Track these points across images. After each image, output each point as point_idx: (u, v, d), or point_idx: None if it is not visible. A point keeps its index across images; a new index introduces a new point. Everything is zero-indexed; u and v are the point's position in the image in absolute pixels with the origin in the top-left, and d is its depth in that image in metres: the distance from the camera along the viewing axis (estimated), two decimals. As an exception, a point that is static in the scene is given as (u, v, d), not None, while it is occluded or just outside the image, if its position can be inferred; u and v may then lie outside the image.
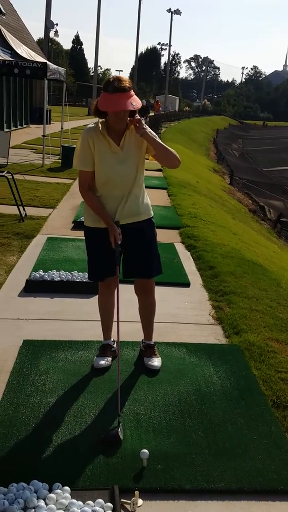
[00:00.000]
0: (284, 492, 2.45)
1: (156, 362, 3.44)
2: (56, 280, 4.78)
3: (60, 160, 13.23)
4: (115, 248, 3.10)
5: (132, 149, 3.08)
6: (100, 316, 3.53)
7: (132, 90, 2.92)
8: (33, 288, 4.69)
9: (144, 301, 3.45)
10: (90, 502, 2.24)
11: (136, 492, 2.27)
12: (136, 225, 3.21)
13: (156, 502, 2.35)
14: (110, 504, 2.24)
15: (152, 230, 3.33)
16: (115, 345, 3.55)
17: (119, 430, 2.67)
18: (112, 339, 3.55)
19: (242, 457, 2.64)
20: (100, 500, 2.25)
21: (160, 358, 3.50)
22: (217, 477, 2.49)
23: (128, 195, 3.14)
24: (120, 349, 3.62)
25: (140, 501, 2.31)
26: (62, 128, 15.87)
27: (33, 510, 2.16)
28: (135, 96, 2.92)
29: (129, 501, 2.26)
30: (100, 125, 3.05)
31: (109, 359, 3.45)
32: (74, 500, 2.23)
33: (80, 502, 2.23)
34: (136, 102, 2.90)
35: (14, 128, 21.70)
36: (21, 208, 7.29)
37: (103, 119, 3.05)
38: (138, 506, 2.28)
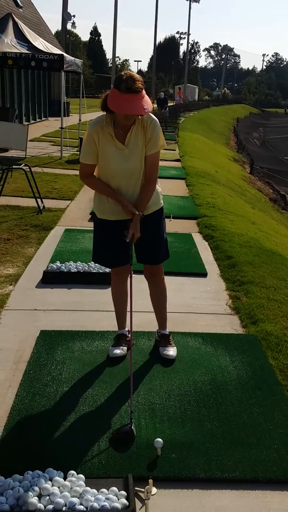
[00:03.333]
0: (300, 482, 2.43)
1: (172, 351, 3.44)
2: (73, 271, 4.81)
3: (78, 152, 13.25)
4: (128, 241, 3.09)
5: (138, 143, 3.04)
6: (114, 305, 3.54)
7: (144, 91, 2.86)
8: (50, 279, 4.72)
9: (154, 286, 3.46)
10: (104, 490, 2.26)
11: (150, 481, 2.28)
12: (148, 216, 3.19)
13: (170, 490, 2.36)
14: (124, 492, 2.25)
15: (161, 219, 3.32)
16: (129, 335, 3.55)
17: (132, 427, 2.67)
18: (126, 329, 3.56)
19: (257, 447, 2.63)
20: (114, 488, 2.27)
21: (175, 347, 3.49)
22: (232, 467, 2.48)
23: (134, 189, 3.13)
24: (135, 339, 3.63)
25: (154, 490, 2.32)
26: (80, 120, 15.89)
27: (48, 497, 2.18)
28: (146, 97, 2.86)
29: (143, 490, 2.27)
30: (106, 120, 3.00)
31: (125, 348, 3.46)
32: (88, 488, 2.24)
33: (94, 490, 2.24)
34: (147, 104, 2.84)
35: (33, 121, 21.81)
36: (39, 200, 7.34)
37: (110, 114, 2.99)
38: (152, 495, 2.28)
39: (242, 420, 2.84)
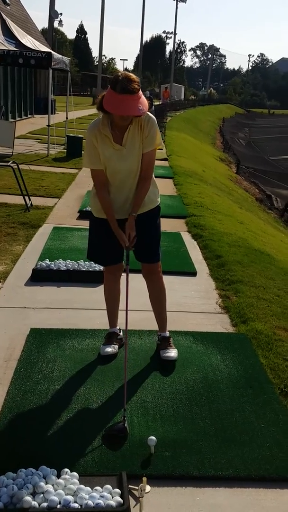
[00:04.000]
0: (292, 479, 2.45)
1: (172, 353, 3.41)
2: (62, 269, 4.78)
3: (65, 150, 13.20)
4: (126, 250, 3.09)
5: (135, 143, 3.03)
6: (106, 303, 3.53)
7: (140, 91, 2.85)
8: (39, 277, 4.70)
9: (152, 284, 3.45)
10: (98, 487, 2.25)
11: (144, 479, 2.28)
12: (143, 215, 3.20)
13: (164, 488, 2.36)
14: (118, 490, 2.25)
15: (158, 218, 3.33)
16: (121, 333, 3.55)
17: (125, 424, 2.67)
18: (118, 327, 3.55)
19: (250, 445, 2.64)
20: (108, 486, 2.26)
21: (176, 349, 3.46)
22: (225, 464, 2.49)
23: (131, 188, 3.13)
24: (127, 336, 3.62)
25: (147, 487, 2.32)
26: (66, 118, 15.82)
27: (42, 495, 2.17)
28: (143, 98, 2.86)
29: (137, 487, 2.27)
30: (103, 122, 2.99)
31: (116, 346, 3.45)
32: (82, 486, 2.24)
33: (88, 488, 2.24)
34: (143, 105, 2.84)
35: (19, 118, 21.64)
36: (26, 198, 7.29)
37: (106, 115, 2.97)
38: (146, 492, 2.28)
39: (234, 418, 2.85)
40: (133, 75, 2.86)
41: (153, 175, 3.24)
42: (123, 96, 2.78)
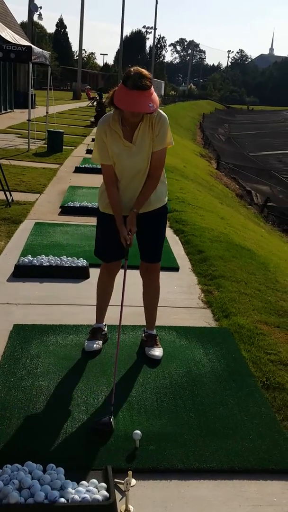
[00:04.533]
0: (275, 471, 2.49)
1: (158, 352, 3.41)
2: (45, 265, 4.77)
3: (46, 145, 13.10)
4: (125, 247, 3.08)
5: (145, 140, 2.99)
6: (97, 298, 3.51)
7: (152, 87, 2.80)
8: (21, 273, 4.67)
9: (148, 282, 3.45)
10: (84, 482, 2.26)
11: (129, 472, 2.29)
12: (149, 213, 3.18)
13: (149, 481, 2.39)
14: (104, 484, 2.26)
15: (164, 218, 3.32)
16: (105, 329, 3.55)
17: (111, 419, 2.68)
18: (104, 323, 3.55)
19: (233, 437, 2.68)
20: (94, 480, 2.28)
21: (161, 348, 3.46)
22: (209, 457, 2.53)
23: (139, 186, 3.10)
24: (110, 332, 3.63)
25: (133, 481, 2.33)
26: (47, 112, 15.70)
27: (28, 490, 2.18)
28: (154, 95, 2.81)
29: (123, 481, 2.28)
30: (114, 117, 2.96)
31: (100, 342, 3.45)
32: (68, 481, 2.24)
33: (74, 482, 2.25)
34: (154, 102, 2.79)
35: (-1, 113, 21.41)
36: (7, 193, 7.23)
37: (117, 111, 2.94)
38: (132, 486, 2.30)
39: (217, 411, 2.89)
40: (145, 71, 2.80)
41: (164, 173, 3.21)
42: (134, 92, 2.74)
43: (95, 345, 3.40)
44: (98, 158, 3.09)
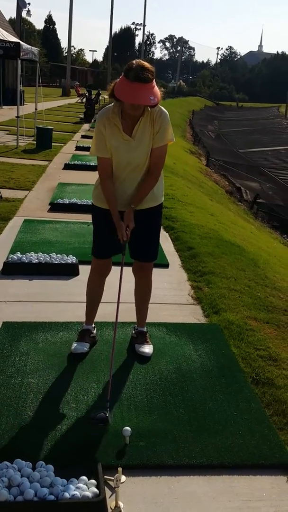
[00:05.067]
0: (265, 466, 2.50)
1: (148, 349, 3.40)
2: (34, 262, 4.74)
3: (35, 142, 13.04)
4: (122, 243, 3.04)
5: (145, 136, 2.96)
6: (87, 300, 3.45)
7: (154, 81, 2.77)
8: (10, 270, 4.64)
9: (141, 282, 3.43)
10: (73, 479, 2.26)
11: (119, 469, 2.29)
12: (145, 211, 3.15)
13: (139, 478, 2.39)
14: (93, 481, 2.26)
15: (158, 216, 3.29)
16: (94, 331, 3.52)
17: (108, 415, 2.67)
18: (93, 325, 3.52)
19: (223, 433, 2.69)
20: (84, 477, 2.27)
21: (151, 345, 3.45)
22: (199, 453, 2.53)
23: (136, 182, 3.07)
24: (100, 329, 3.62)
25: (123, 478, 2.33)
26: (36, 109, 15.62)
27: (17, 487, 2.16)
28: (156, 88, 2.78)
29: (112, 478, 2.29)
30: (113, 110, 2.93)
31: (88, 345, 3.39)
32: (57, 478, 2.24)
33: (63, 479, 2.24)
34: (155, 95, 2.75)
35: (-13, 109, 21.25)
36: (-4, 190, 7.18)
37: (118, 103, 2.91)
38: (122, 483, 2.30)
39: (207, 407, 2.89)
40: (147, 64, 2.77)
41: (162, 173, 3.18)
42: (135, 84, 2.70)
43: (81, 347, 3.35)
44: (95, 151, 3.04)
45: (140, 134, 2.96)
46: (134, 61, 2.79)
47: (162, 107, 2.98)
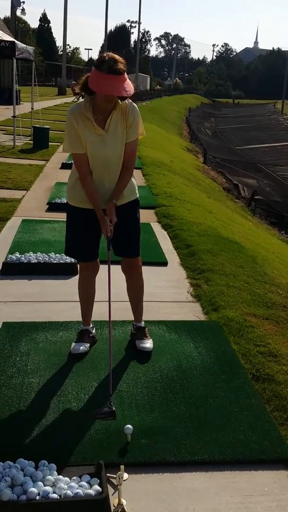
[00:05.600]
0: (266, 461, 2.51)
1: (148, 343, 3.41)
2: (33, 262, 4.75)
3: (32, 141, 13.03)
4: (107, 238, 3.04)
5: (118, 129, 2.98)
6: (80, 301, 3.46)
7: (125, 73, 2.80)
8: (9, 270, 4.65)
9: (131, 279, 3.44)
10: (76, 477, 2.27)
11: (122, 467, 2.30)
12: (122, 207, 3.15)
13: (142, 475, 2.40)
14: (96, 479, 2.27)
15: (136, 211, 3.29)
16: (93, 331, 3.52)
17: (114, 408, 2.66)
18: (91, 325, 3.53)
19: (224, 429, 2.70)
20: (87, 476, 2.28)
21: (151, 340, 3.46)
22: (200, 449, 2.54)
23: (113, 178, 3.08)
24: (99, 328, 3.63)
25: (125, 475, 2.34)
26: (32, 108, 15.59)
27: (20, 487, 2.17)
28: (128, 80, 2.81)
29: (115, 476, 2.30)
30: (85, 105, 2.93)
31: (87, 345, 3.40)
32: (60, 476, 2.25)
33: (66, 478, 2.25)
34: (129, 87, 2.79)
35: (-17, 109, 21.21)
36: (-6, 190, 7.18)
37: (89, 98, 2.92)
38: (124, 480, 2.31)
39: (208, 404, 2.90)
40: (119, 56, 2.80)
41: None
42: (110, 76, 2.73)
43: (81, 347, 3.35)
44: (69, 147, 3.03)
45: (113, 128, 2.98)
46: (105, 54, 2.83)
47: (132, 102, 3.01)
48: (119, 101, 2.94)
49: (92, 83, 2.78)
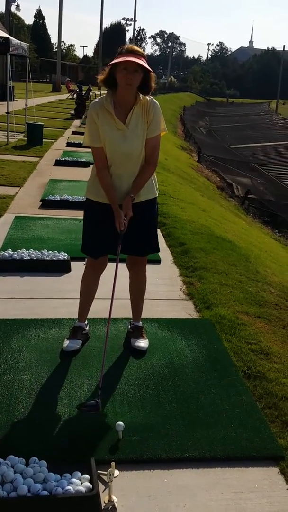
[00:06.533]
0: (257, 458, 2.53)
1: (143, 343, 3.41)
2: (25, 259, 4.73)
3: (25, 138, 12.98)
4: (119, 232, 3.02)
5: (139, 125, 2.98)
6: (80, 296, 3.43)
7: (144, 60, 2.87)
8: (2, 267, 4.63)
9: (135, 275, 3.43)
10: (67, 474, 2.27)
11: (113, 463, 2.30)
12: (142, 203, 3.14)
13: (132, 472, 2.40)
14: (87, 476, 2.26)
15: (154, 210, 3.27)
16: (87, 328, 3.52)
17: (98, 402, 2.68)
18: (85, 322, 3.52)
19: (215, 426, 2.71)
20: (77, 472, 2.28)
21: (147, 340, 3.46)
22: (192, 446, 2.55)
23: (132, 174, 3.06)
24: (92, 325, 3.63)
25: (116, 472, 2.34)
26: (26, 105, 15.53)
27: (11, 484, 2.17)
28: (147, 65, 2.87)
29: (106, 472, 2.30)
30: (107, 99, 2.94)
31: (80, 342, 3.39)
32: (51, 473, 2.24)
33: (57, 475, 2.25)
34: (149, 67, 2.86)
35: (-23, 106, 21.09)
36: (-13, 187, 7.15)
37: (111, 92, 2.94)
38: (115, 477, 2.31)
39: (199, 401, 2.91)
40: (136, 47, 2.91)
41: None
42: (129, 54, 2.82)
43: (73, 345, 3.34)
44: (89, 141, 3.04)
45: (135, 123, 2.98)
46: (124, 46, 2.93)
47: (153, 98, 3.02)
48: (140, 96, 2.96)
49: (114, 60, 2.83)
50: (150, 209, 3.25)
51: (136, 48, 2.88)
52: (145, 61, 2.85)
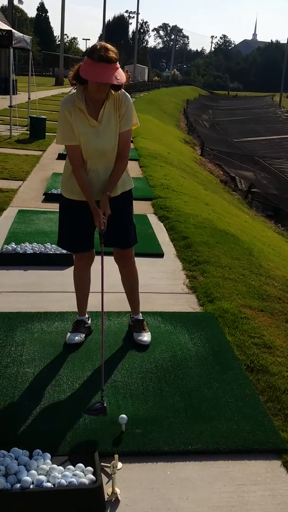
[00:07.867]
0: (259, 451, 2.54)
1: (146, 337, 3.42)
2: (29, 252, 4.74)
3: (28, 132, 12.97)
4: (100, 232, 3.01)
5: (111, 120, 2.95)
6: (76, 291, 3.45)
7: (118, 62, 2.77)
8: (5, 261, 4.64)
9: (124, 269, 3.43)
10: (70, 466, 2.28)
11: (116, 456, 2.31)
12: (118, 197, 3.14)
13: (135, 464, 2.41)
14: (90, 468, 2.28)
15: (130, 202, 3.27)
16: (89, 321, 3.52)
17: (105, 405, 2.68)
18: (86, 315, 3.53)
19: (218, 419, 2.71)
20: (81, 465, 2.29)
21: (149, 332, 3.47)
22: (194, 439, 2.56)
23: (107, 169, 3.05)
24: (94, 319, 3.63)
25: (119, 464, 2.36)
26: (29, 98, 15.50)
27: (15, 476, 2.18)
28: (120, 69, 2.77)
29: (109, 465, 2.31)
30: (78, 96, 2.90)
31: (83, 335, 3.40)
32: (55, 465, 2.26)
33: (61, 467, 2.26)
34: (120, 76, 2.75)
35: (-20, 99, 21.06)
36: (-10, 180, 7.15)
37: (82, 88, 2.89)
38: (118, 469, 2.32)
39: (202, 394, 2.92)
40: (110, 45, 2.77)
41: None
42: (100, 64, 2.70)
43: (76, 337, 3.35)
44: (62, 139, 3.00)
45: (107, 119, 2.95)
46: (97, 43, 2.80)
47: (125, 91, 2.98)
48: (112, 91, 2.91)
49: (83, 71, 2.75)
50: (127, 200, 3.25)
51: (109, 52, 2.71)
52: (117, 64, 2.76)
